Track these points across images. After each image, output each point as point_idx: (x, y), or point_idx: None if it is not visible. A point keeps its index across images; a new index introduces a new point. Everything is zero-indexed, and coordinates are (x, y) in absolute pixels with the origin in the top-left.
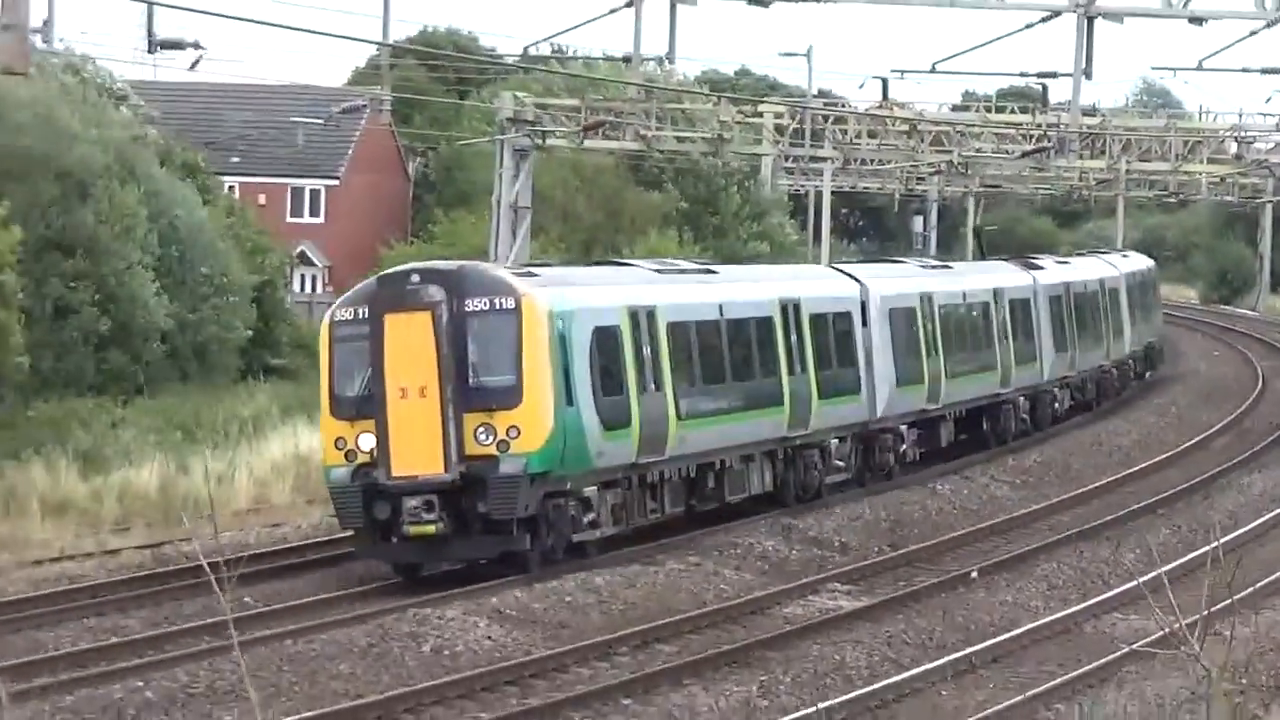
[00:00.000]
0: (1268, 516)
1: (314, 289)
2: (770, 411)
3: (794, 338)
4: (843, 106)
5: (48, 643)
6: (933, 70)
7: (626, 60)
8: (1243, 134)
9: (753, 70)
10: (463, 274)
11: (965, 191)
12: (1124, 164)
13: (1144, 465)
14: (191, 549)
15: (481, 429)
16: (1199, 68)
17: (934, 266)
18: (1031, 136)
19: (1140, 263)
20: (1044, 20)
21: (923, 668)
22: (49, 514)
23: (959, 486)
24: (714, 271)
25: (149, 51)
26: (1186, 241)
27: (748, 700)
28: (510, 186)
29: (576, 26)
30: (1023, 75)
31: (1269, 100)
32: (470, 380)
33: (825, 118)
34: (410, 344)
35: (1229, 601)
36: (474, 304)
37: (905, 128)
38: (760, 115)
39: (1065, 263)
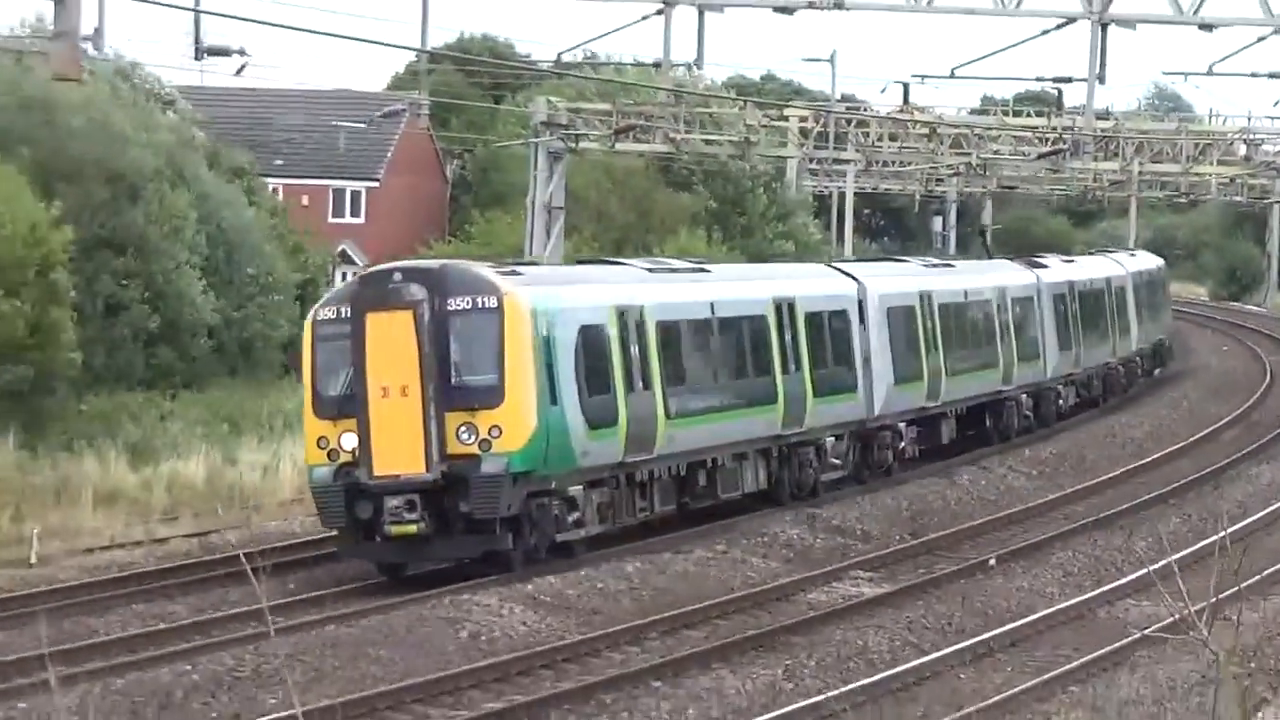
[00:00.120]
0: (1275, 506)
1: None
2: (763, 410)
3: (788, 336)
4: (865, 110)
5: (99, 628)
6: (952, 75)
7: (656, 66)
8: (1251, 136)
9: (778, 75)
10: (444, 273)
11: (984, 192)
12: (1136, 166)
13: (1156, 456)
14: (238, 537)
15: (463, 428)
16: (1209, 73)
17: (935, 265)
18: (1047, 139)
19: (1149, 262)
20: (1059, 27)
21: (942, 652)
22: (100, 504)
23: (977, 477)
24: (707, 271)
25: (196, 58)
26: (1197, 240)
27: (773, 683)
28: (544, 188)
29: (608, 33)
30: (1039, 80)
31: (1277, 104)
32: (452, 379)
33: (848, 121)
34: (392, 343)
35: (1237, 588)
36: (456, 303)
37: (925, 131)
38: (785, 119)
39: (1071, 262)
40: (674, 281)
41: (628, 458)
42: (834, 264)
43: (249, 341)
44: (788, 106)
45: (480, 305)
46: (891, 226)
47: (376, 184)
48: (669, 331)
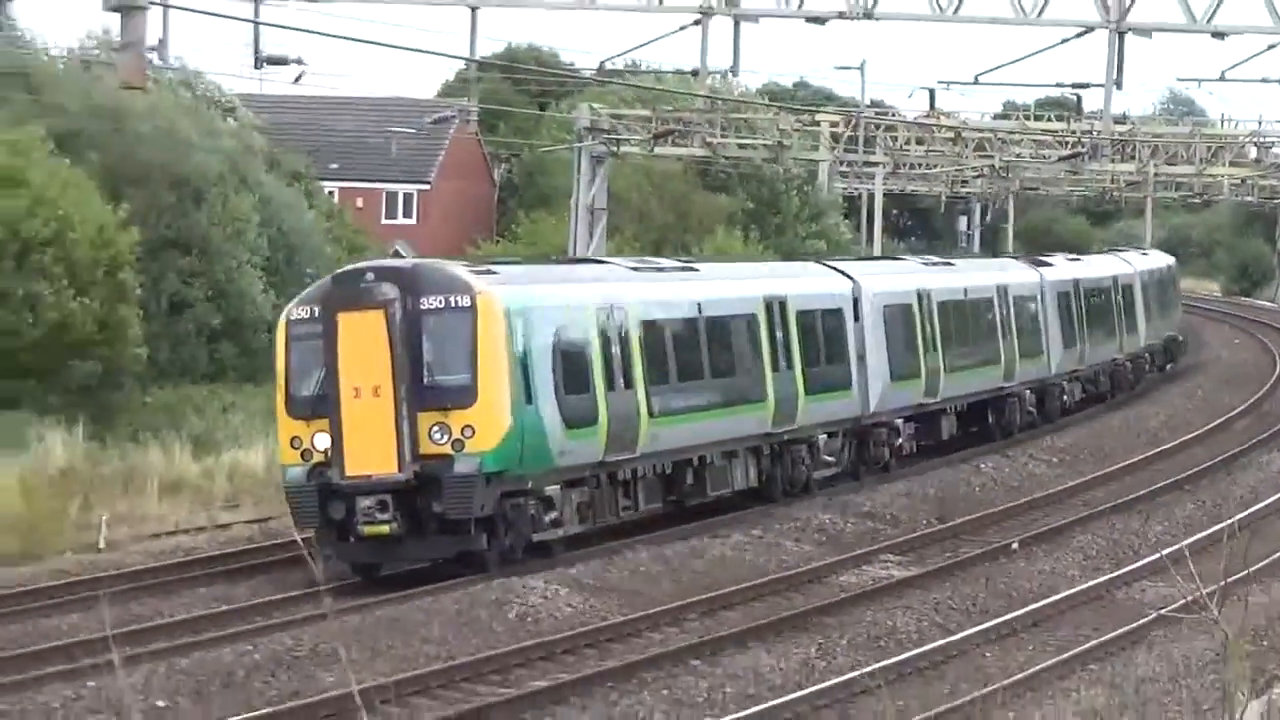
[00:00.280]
0: None
1: None
2: (753, 408)
3: (779, 334)
4: (893, 115)
5: (164, 610)
6: (976, 82)
7: (694, 74)
8: (1262, 139)
9: (810, 82)
10: (417, 272)
11: (1006, 193)
12: (1152, 168)
13: (1171, 445)
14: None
15: (436, 428)
16: (1221, 78)
17: (935, 263)
18: (1067, 142)
19: (1159, 260)
20: (1078, 35)
21: (968, 632)
22: (165, 492)
23: (1001, 464)
24: (695, 269)
25: (256, 67)
26: (1210, 239)
27: (807, 661)
28: (587, 190)
29: (648, 43)
30: (1059, 86)
31: None
32: (425, 379)
33: (877, 126)
34: (363, 342)
35: (1247, 571)
36: (429, 302)
37: (951, 135)
38: (817, 124)
39: (1077, 260)
40: (658, 280)
41: (609, 457)
42: (829, 262)
43: None
44: (819, 112)
45: (453, 304)
46: (919, 226)
47: (428, 187)
48: (652, 330)
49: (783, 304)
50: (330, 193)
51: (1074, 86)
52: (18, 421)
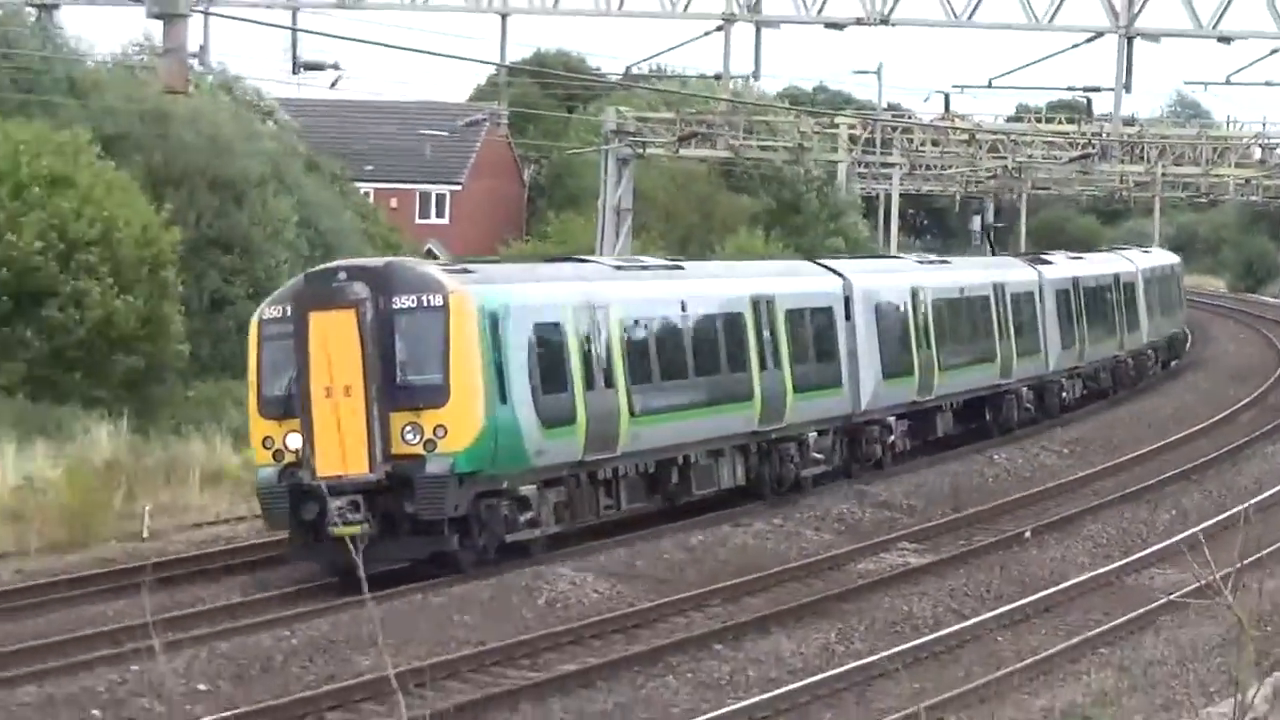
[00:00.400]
0: None
1: None
2: (739, 407)
3: (766, 333)
4: (909, 118)
5: (205, 596)
6: (989, 85)
7: (717, 78)
8: (1266, 141)
9: (829, 86)
10: (390, 271)
11: (1019, 193)
12: (1160, 168)
13: (1178, 436)
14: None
15: (409, 428)
16: (1227, 82)
17: (930, 262)
18: (1078, 144)
19: (1162, 258)
20: (1089, 40)
21: (982, 617)
22: (206, 483)
23: (1013, 455)
24: (680, 268)
25: (293, 72)
26: (1216, 237)
27: (826, 645)
28: (614, 191)
29: (673, 48)
30: (1070, 89)
31: None
32: (397, 379)
33: (894, 128)
34: (335, 342)
35: (1257, 556)
36: (401, 301)
37: (965, 137)
38: (836, 126)
39: (1078, 258)
40: (642, 279)
41: (589, 456)
42: (820, 261)
43: None
44: (838, 115)
45: (425, 304)
46: (934, 225)
47: (460, 187)
48: (634, 329)
49: (770, 302)
50: (366, 193)
51: (1084, 90)
52: (65, 415)
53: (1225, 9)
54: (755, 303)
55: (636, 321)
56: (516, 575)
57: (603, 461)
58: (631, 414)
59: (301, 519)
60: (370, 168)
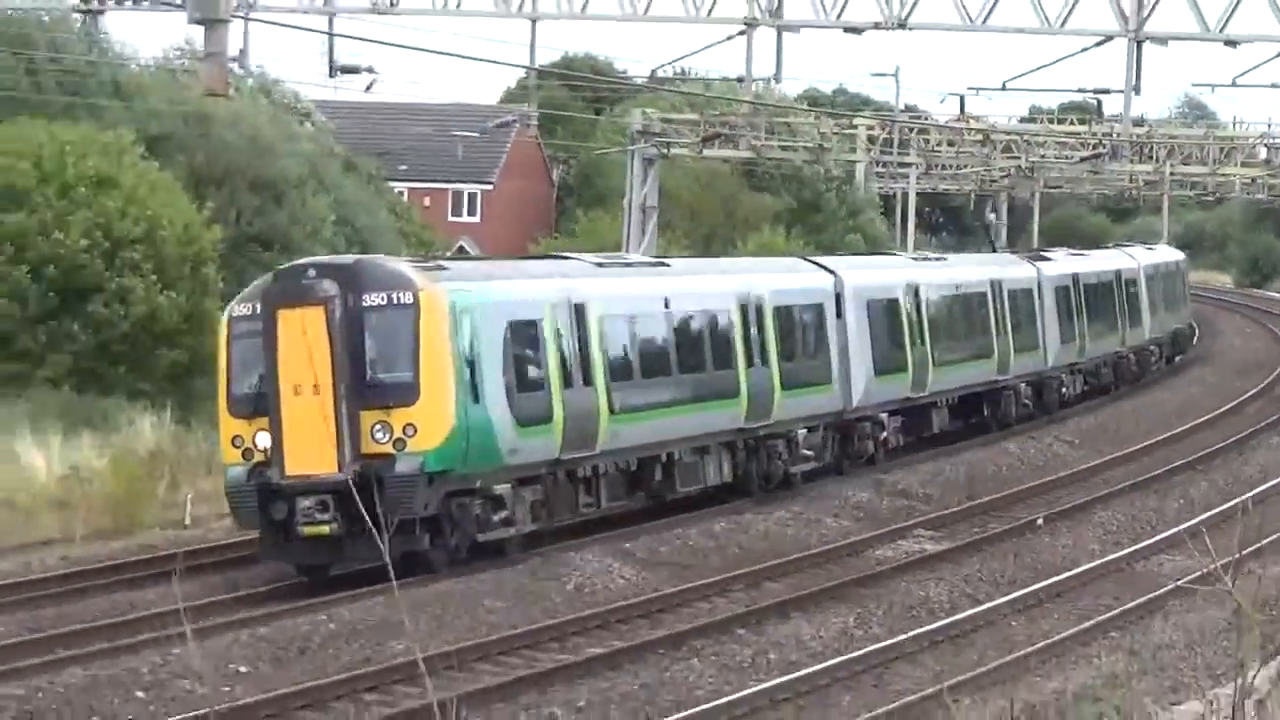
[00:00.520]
0: None
1: None
2: (725, 404)
3: (753, 330)
4: (926, 119)
5: (244, 581)
6: (1003, 88)
7: (740, 80)
8: (1272, 141)
9: (848, 89)
10: (359, 268)
11: (1032, 192)
12: (1168, 168)
13: (1185, 427)
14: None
15: (378, 427)
16: (1233, 84)
17: (926, 259)
18: (1089, 144)
19: (1166, 255)
20: (1099, 44)
21: (996, 602)
22: None
23: (1026, 446)
24: (666, 265)
25: (330, 76)
26: (1222, 234)
27: (845, 630)
28: (640, 190)
29: (696, 52)
30: (1081, 91)
31: None
32: (367, 377)
33: (911, 129)
34: (303, 340)
35: (1260, 544)
36: (371, 298)
37: (980, 137)
38: (855, 128)
39: (1079, 255)
40: (623, 276)
41: (566, 454)
42: (811, 258)
43: None
44: (857, 116)
45: (395, 301)
46: (950, 223)
47: (490, 187)
48: (615, 326)
49: (758, 299)
50: (400, 193)
51: (1095, 92)
52: (110, 406)
53: (1232, 13)
54: (742, 300)
55: (617, 318)
56: (544, 562)
57: (581, 460)
58: (611, 412)
59: (271, 518)
60: (404, 168)
